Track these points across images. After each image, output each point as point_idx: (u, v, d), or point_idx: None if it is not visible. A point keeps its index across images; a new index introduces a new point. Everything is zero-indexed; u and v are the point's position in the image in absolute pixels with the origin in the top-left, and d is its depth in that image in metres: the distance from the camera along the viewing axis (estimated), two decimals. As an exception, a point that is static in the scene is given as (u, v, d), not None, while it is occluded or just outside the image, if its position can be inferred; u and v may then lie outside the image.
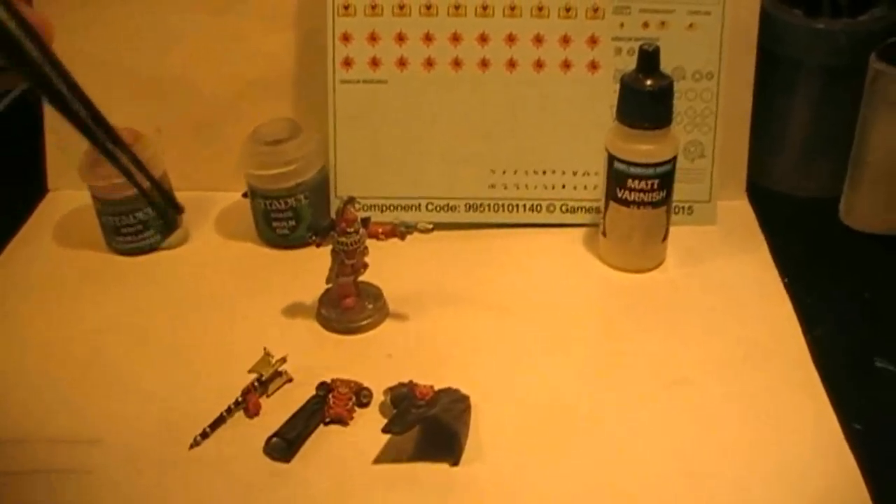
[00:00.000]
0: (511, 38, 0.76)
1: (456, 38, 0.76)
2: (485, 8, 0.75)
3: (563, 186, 0.78)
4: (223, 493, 0.57)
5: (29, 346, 0.69)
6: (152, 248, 0.78)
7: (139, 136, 0.76)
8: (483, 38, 0.76)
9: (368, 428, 0.60)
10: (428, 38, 0.76)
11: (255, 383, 0.63)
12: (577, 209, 0.78)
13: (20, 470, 0.59)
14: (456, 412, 0.59)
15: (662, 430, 0.60)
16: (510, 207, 0.78)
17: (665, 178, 0.70)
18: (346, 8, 0.75)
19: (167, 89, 0.82)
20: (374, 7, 0.75)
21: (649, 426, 0.60)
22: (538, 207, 0.78)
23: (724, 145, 0.77)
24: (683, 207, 0.78)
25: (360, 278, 0.69)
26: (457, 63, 0.76)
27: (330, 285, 0.69)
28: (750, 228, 0.78)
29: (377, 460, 0.58)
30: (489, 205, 0.78)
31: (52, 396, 0.64)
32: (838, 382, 0.63)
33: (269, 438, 0.59)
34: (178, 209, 0.57)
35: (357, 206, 0.66)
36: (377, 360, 0.66)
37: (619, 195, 0.71)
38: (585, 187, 0.78)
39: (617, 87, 0.70)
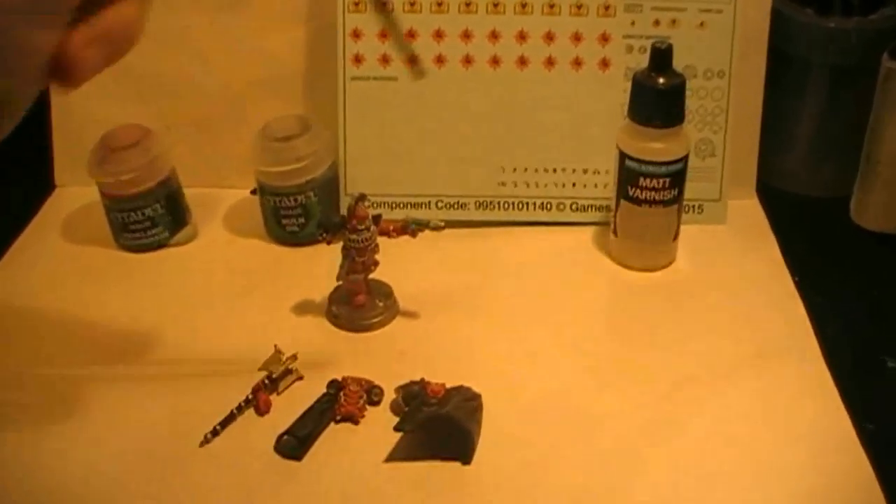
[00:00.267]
0: (522, 36, 0.75)
1: (467, 35, 0.75)
2: (496, 5, 0.75)
3: (574, 185, 0.78)
4: (233, 490, 0.57)
5: (37, 343, 0.69)
6: (160, 245, 0.78)
7: (148, 132, 0.76)
8: (494, 35, 0.75)
9: (379, 426, 0.60)
10: (438, 34, 0.76)
11: (266, 381, 0.63)
12: (588, 207, 0.78)
13: (26, 469, 0.59)
14: (468, 410, 0.59)
15: (674, 429, 0.60)
16: (520, 205, 0.78)
17: (676, 176, 0.70)
18: (356, 4, 0.75)
19: (176, 86, 0.82)
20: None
21: (660, 425, 0.60)
22: (548, 206, 0.78)
23: (734, 144, 0.77)
24: (693, 206, 0.78)
25: (371, 276, 0.69)
26: (467, 60, 0.76)
27: (340, 283, 0.69)
28: (760, 228, 0.78)
29: (388, 459, 0.58)
30: (499, 203, 0.78)
31: (61, 394, 0.64)
32: (850, 382, 0.63)
33: (280, 436, 0.59)
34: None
35: (368, 203, 0.66)
36: (388, 357, 0.66)
37: (631, 193, 0.70)
38: (596, 185, 0.78)
39: (627, 84, 0.70)
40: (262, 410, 0.62)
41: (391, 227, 0.67)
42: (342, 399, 0.61)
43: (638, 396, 0.62)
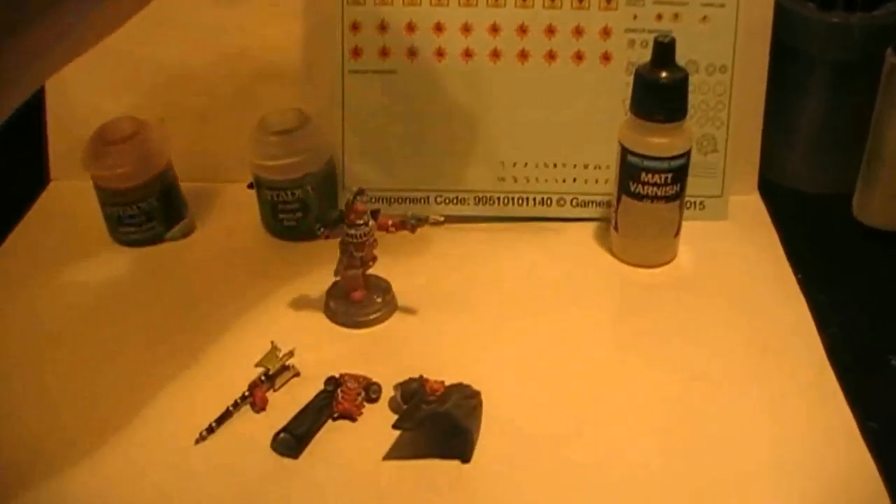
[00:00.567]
0: (523, 29, 0.75)
1: (467, 29, 0.75)
2: (496, -2, 0.74)
3: (575, 180, 0.77)
4: (229, 488, 0.56)
5: (31, 338, 0.68)
6: (156, 240, 0.77)
7: (144, 125, 0.75)
8: (494, 29, 0.75)
9: (378, 424, 0.59)
10: (438, 27, 0.75)
11: (262, 377, 0.62)
12: (589, 203, 0.77)
13: (22, 463, 0.58)
14: (467, 408, 0.58)
15: (675, 426, 0.59)
16: (520, 201, 0.77)
17: (679, 171, 0.69)
18: (355, -4, 0.75)
19: (172, 79, 0.81)
20: (383, -4, 0.74)
21: (662, 423, 0.60)
22: (549, 201, 0.77)
23: (736, 140, 0.76)
24: (695, 202, 0.77)
25: (369, 271, 0.68)
26: (468, 53, 0.75)
27: (338, 278, 0.68)
28: (762, 224, 0.78)
29: (387, 457, 0.57)
30: (499, 198, 0.77)
31: (55, 389, 0.63)
32: (853, 381, 0.62)
33: (277, 434, 0.59)
34: None
35: (366, 197, 0.65)
36: (386, 354, 0.65)
37: (632, 189, 0.70)
38: (597, 181, 0.77)
39: (629, 79, 0.69)
40: (258, 407, 0.61)
41: (389, 222, 0.66)
42: (340, 396, 0.60)
43: (639, 394, 0.62)
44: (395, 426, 0.57)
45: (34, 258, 0.76)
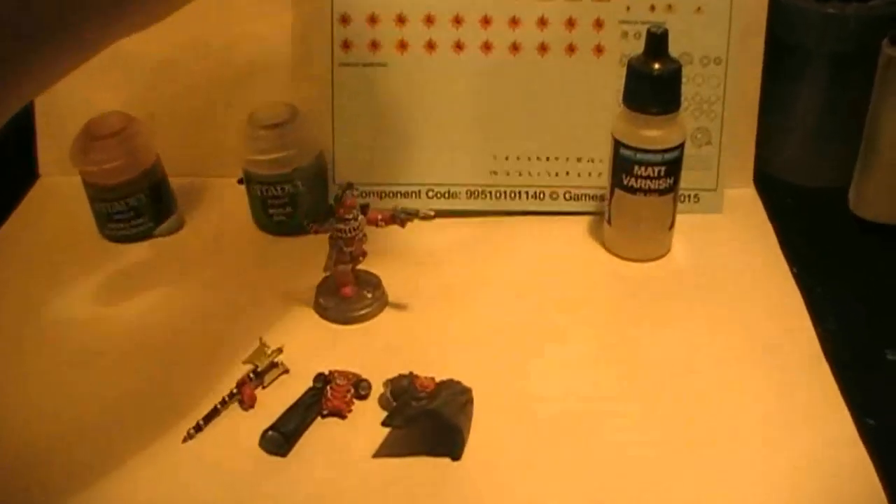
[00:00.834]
0: (515, 21, 0.74)
1: (458, 21, 0.74)
2: (487, -11, 0.74)
3: (567, 173, 0.76)
4: (217, 487, 0.55)
5: (19, 335, 0.67)
6: (146, 236, 0.76)
7: (132, 120, 0.75)
8: (486, 21, 0.74)
9: (367, 421, 0.58)
10: (429, 20, 0.74)
11: (251, 375, 0.61)
12: (582, 196, 0.77)
13: (7, 463, 0.57)
14: (457, 405, 0.58)
15: (668, 421, 0.59)
16: (512, 195, 0.77)
17: (672, 164, 0.68)
18: (345, -11, 0.74)
19: (161, 73, 0.80)
20: (374, -12, 0.74)
21: (655, 418, 0.59)
22: (541, 195, 0.77)
23: (731, 132, 0.76)
24: (689, 195, 0.76)
25: (359, 266, 0.67)
26: (458, 46, 0.74)
27: (328, 274, 0.67)
28: (757, 217, 0.77)
29: (377, 454, 0.57)
30: (491, 192, 0.77)
31: (43, 387, 0.63)
32: (850, 376, 0.61)
33: (265, 432, 0.58)
34: None
35: (356, 192, 0.64)
36: (376, 350, 0.65)
37: (625, 182, 0.69)
38: (590, 174, 0.76)
39: (623, 71, 0.69)
40: (247, 405, 0.60)
41: (379, 217, 0.65)
42: (329, 393, 0.60)
43: (632, 390, 0.61)
44: (384, 423, 0.56)
45: (22, 254, 0.75)
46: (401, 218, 0.65)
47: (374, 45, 0.75)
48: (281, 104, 0.74)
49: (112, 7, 0.42)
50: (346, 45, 0.75)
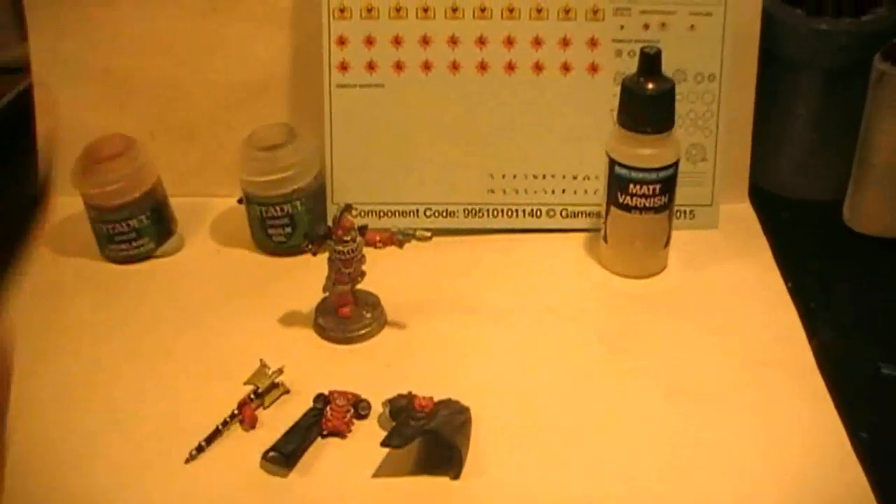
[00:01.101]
0: (510, 41, 0.74)
1: (454, 41, 0.75)
2: (483, 10, 0.74)
3: (564, 191, 0.77)
4: (219, 508, 0.56)
5: (19, 355, 0.67)
6: (147, 256, 0.77)
7: (132, 142, 0.75)
8: (481, 41, 0.75)
9: (367, 441, 0.59)
10: (425, 40, 0.75)
11: (252, 395, 0.62)
12: (578, 214, 0.77)
13: (7, 483, 0.58)
14: (456, 424, 0.58)
15: (665, 438, 0.59)
16: (509, 213, 0.77)
17: (667, 182, 0.69)
18: (341, 11, 0.74)
19: (161, 94, 0.81)
20: (370, 10, 0.74)
21: (651, 434, 0.60)
22: (538, 212, 0.77)
23: (726, 148, 0.76)
24: (685, 211, 0.77)
25: (358, 287, 0.68)
26: (455, 66, 0.75)
27: (327, 294, 0.68)
28: (752, 232, 0.77)
29: (376, 474, 0.57)
30: (488, 210, 0.77)
31: (44, 408, 0.63)
32: (844, 390, 0.62)
33: (266, 452, 0.58)
34: None
35: (354, 212, 0.65)
36: (375, 370, 0.65)
37: (621, 200, 0.70)
38: (586, 192, 0.77)
39: (617, 89, 0.69)
40: (248, 425, 0.61)
41: (377, 238, 0.66)
42: (329, 413, 0.60)
43: (629, 406, 0.62)
44: (383, 444, 0.56)
45: (24, 275, 0.76)
46: (398, 239, 0.66)
47: (371, 67, 0.75)
48: (279, 125, 0.75)
49: None
50: (343, 66, 0.75)
